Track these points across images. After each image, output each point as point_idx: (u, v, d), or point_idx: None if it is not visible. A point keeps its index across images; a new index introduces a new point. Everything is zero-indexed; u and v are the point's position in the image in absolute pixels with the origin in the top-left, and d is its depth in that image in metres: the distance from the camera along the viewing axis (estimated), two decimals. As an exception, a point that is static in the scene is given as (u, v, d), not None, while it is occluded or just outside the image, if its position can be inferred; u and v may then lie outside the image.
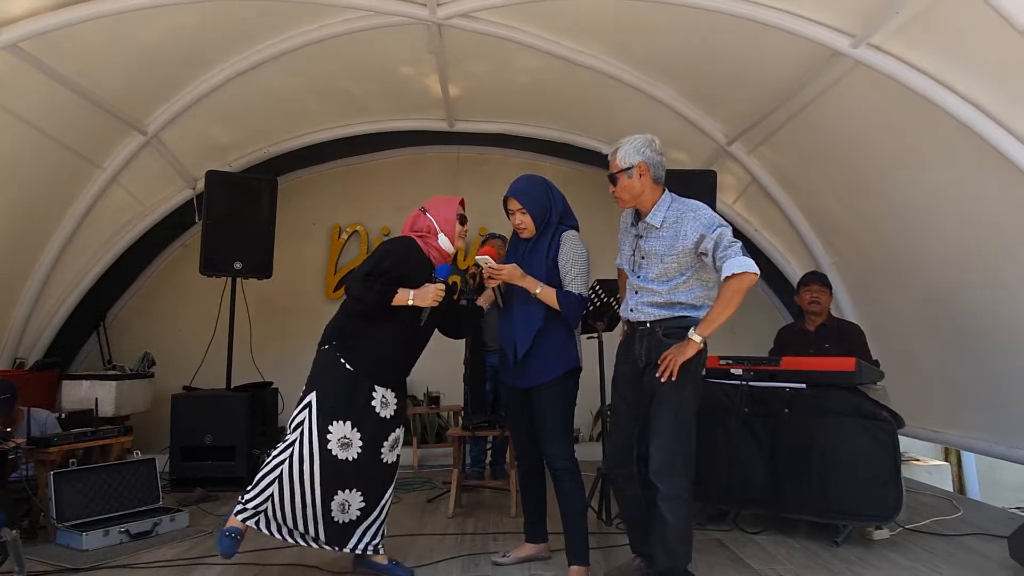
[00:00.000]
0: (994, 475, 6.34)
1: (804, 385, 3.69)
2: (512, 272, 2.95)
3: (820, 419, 3.62)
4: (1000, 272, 3.89)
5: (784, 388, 3.75)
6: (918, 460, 6.01)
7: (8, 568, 2.98)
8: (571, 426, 3.20)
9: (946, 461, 6.30)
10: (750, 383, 3.80)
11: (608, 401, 4.30)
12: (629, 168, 2.79)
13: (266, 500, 2.93)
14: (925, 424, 4.96)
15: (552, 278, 3.03)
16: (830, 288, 4.53)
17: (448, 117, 5.90)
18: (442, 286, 3.00)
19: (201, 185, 5.73)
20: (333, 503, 2.96)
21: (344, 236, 6.63)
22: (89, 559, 3.39)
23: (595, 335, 4.04)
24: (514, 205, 3.05)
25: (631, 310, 2.88)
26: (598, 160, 6.37)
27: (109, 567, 3.31)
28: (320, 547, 3.01)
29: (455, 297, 3.59)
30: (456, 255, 6.37)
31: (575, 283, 3.03)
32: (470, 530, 3.93)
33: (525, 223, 3.05)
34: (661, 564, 2.70)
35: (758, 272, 2.62)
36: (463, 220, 3.21)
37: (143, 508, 3.96)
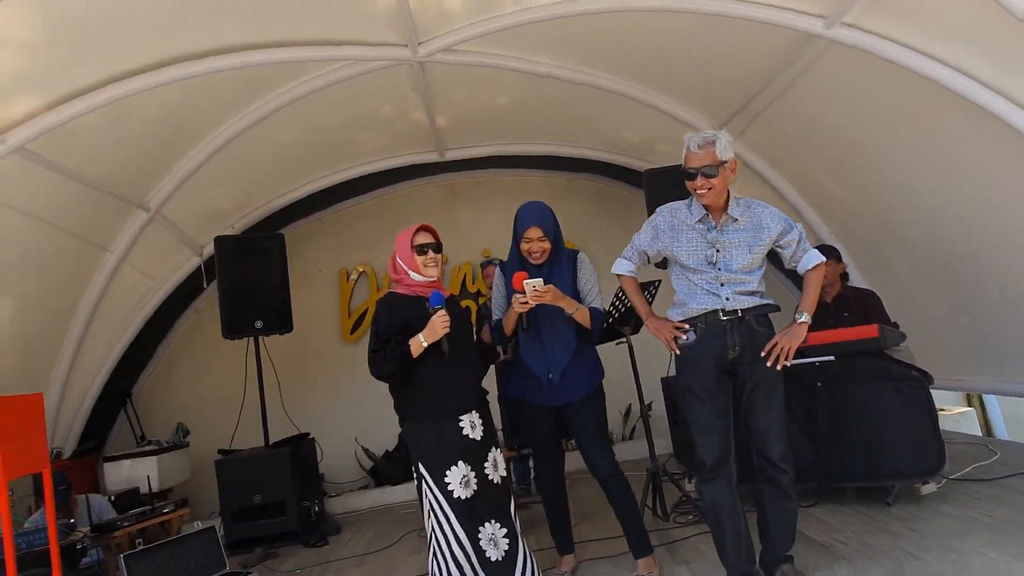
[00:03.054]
0: (1017, 413, 6.47)
1: (832, 357, 3.81)
2: (556, 293, 3.01)
3: (853, 387, 3.75)
4: (996, 216, 4.03)
5: (813, 363, 3.86)
6: (944, 410, 6.14)
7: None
8: (607, 432, 3.31)
9: (970, 407, 6.44)
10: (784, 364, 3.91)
11: (647, 401, 4.44)
12: (726, 162, 2.80)
13: None
14: (947, 375, 5.07)
15: (574, 298, 3.14)
16: (836, 258, 4.66)
17: (438, 148, 6.02)
18: (443, 313, 2.98)
19: (207, 251, 5.84)
20: (481, 542, 2.95)
21: (352, 278, 6.72)
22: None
23: (623, 340, 4.16)
24: (537, 233, 3.12)
25: (726, 300, 2.84)
26: (588, 168, 6.54)
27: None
28: None
29: (476, 323, 3.60)
30: (465, 278, 6.51)
31: (596, 300, 3.17)
32: (535, 546, 4.00)
33: (545, 248, 3.14)
34: (784, 549, 2.86)
35: (824, 259, 2.95)
36: (423, 249, 3.08)
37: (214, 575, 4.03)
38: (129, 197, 5.01)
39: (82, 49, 3.66)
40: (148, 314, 5.81)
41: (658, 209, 3.10)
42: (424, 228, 3.15)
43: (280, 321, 5.41)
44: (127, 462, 5.31)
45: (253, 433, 5.68)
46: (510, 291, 3.15)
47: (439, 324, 2.97)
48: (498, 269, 3.36)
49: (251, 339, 5.50)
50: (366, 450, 6.35)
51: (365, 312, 6.68)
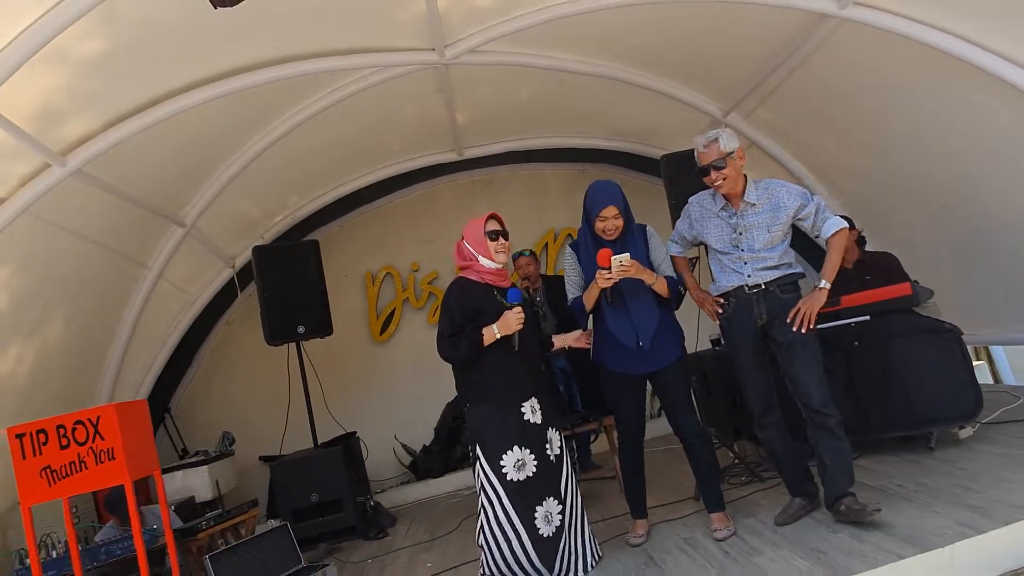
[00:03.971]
0: (1022, 363, 6.83)
1: (867, 317, 4.05)
2: (638, 267, 3.22)
3: (890, 343, 3.98)
4: (1006, 171, 4.27)
5: (849, 324, 4.10)
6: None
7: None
8: (692, 396, 3.53)
9: (979, 360, 6.76)
10: (818, 326, 4.14)
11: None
12: (732, 152, 3.18)
13: (489, 554, 3.19)
14: (965, 332, 5.35)
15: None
16: (850, 226, 4.90)
17: (457, 147, 6.19)
18: (519, 310, 3.20)
19: (239, 262, 5.97)
20: (536, 520, 3.16)
21: (378, 281, 6.86)
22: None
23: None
24: (613, 212, 3.31)
25: (748, 276, 3.24)
26: (601, 159, 6.73)
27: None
28: None
29: (534, 310, 3.80)
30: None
31: (669, 270, 3.42)
32: (597, 518, 4.18)
33: (619, 225, 3.34)
34: (844, 486, 3.10)
35: (847, 224, 3.22)
36: (495, 235, 3.31)
37: (292, 571, 4.17)
38: (166, 213, 5.12)
39: (134, 68, 3.76)
40: (186, 326, 5.92)
41: (690, 199, 3.51)
42: (493, 216, 3.36)
43: (320, 325, 5.55)
44: (179, 473, 5.40)
45: (292, 436, 5.84)
46: (587, 269, 3.36)
47: (514, 320, 3.19)
48: (569, 249, 3.54)
49: (289, 345, 5.65)
50: (404, 446, 6.49)
51: (392, 312, 6.83)
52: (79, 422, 2.70)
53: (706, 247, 3.51)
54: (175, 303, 5.86)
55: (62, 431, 2.69)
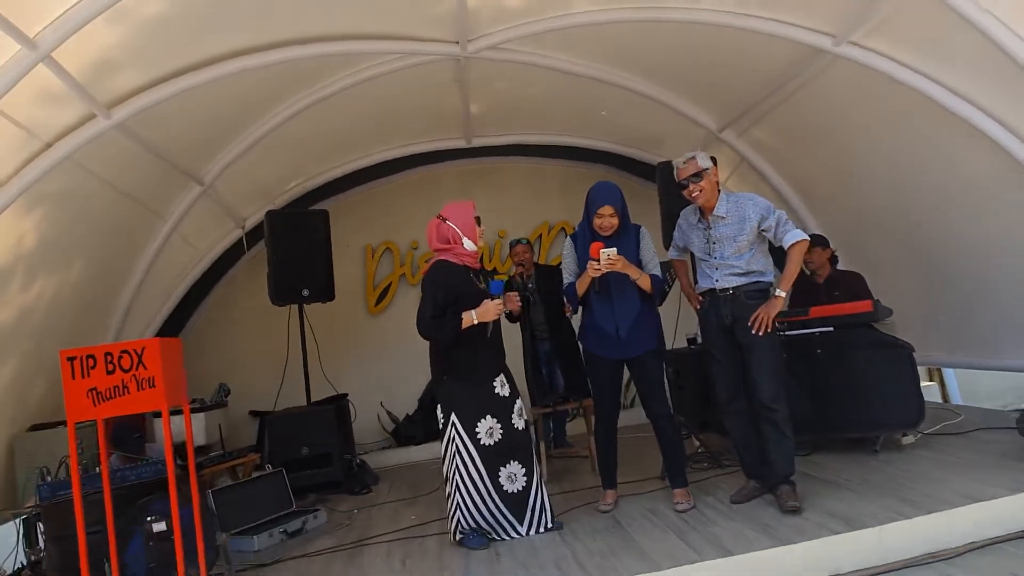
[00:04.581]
0: (972, 387, 7.35)
1: (832, 328, 4.47)
2: (624, 262, 3.60)
3: (849, 354, 4.40)
4: (970, 212, 4.71)
5: (815, 333, 4.52)
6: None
7: (218, 571, 3.54)
8: (665, 385, 3.91)
9: (932, 381, 7.27)
10: (786, 332, 4.56)
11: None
12: (707, 169, 3.64)
13: (457, 511, 3.61)
14: (918, 351, 5.80)
15: (637, 266, 3.75)
16: (823, 245, 5.32)
17: (466, 135, 6.52)
18: (500, 301, 3.64)
19: (249, 223, 6.25)
20: (501, 478, 3.62)
21: (377, 254, 7.17)
22: (267, 556, 3.93)
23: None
24: (609, 211, 3.70)
25: (716, 281, 3.68)
26: (601, 160, 7.10)
27: (293, 558, 3.87)
28: (513, 531, 3.65)
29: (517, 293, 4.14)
30: (481, 258, 7.03)
31: (656, 268, 3.78)
32: (558, 491, 4.52)
33: (614, 223, 3.73)
34: (785, 469, 3.54)
35: (808, 238, 3.60)
36: (480, 221, 3.78)
37: (285, 513, 4.50)
38: (189, 170, 5.39)
39: (187, 33, 4.02)
40: (193, 279, 6.21)
41: (681, 213, 3.99)
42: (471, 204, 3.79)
43: (324, 290, 5.86)
44: (176, 418, 5.68)
45: (286, 393, 6.15)
46: (582, 259, 3.72)
47: (494, 310, 3.62)
48: (568, 240, 3.91)
49: (290, 307, 5.96)
50: (389, 413, 6.83)
51: (389, 286, 7.15)
52: (125, 351, 2.99)
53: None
54: (185, 256, 6.13)
55: (109, 358, 2.98)
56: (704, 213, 3.74)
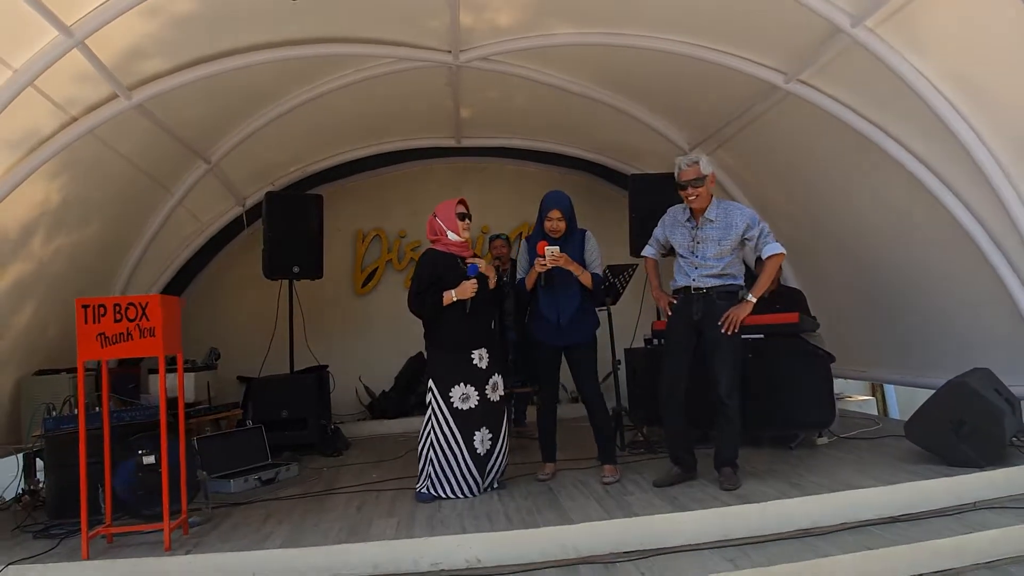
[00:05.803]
0: (912, 402, 7.85)
1: (762, 336, 4.97)
2: (567, 259, 4.10)
3: (776, 359, 4.91)
4: (906, 242, 5.19)
5: (748, 339, 5.00)
6: (850, 397, 7.46)
7: (197, 505, 4.04)
8: (597, 370, 4.41)
9: (872, 396, 7.78)
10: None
11: (618, 359, 5.53)
12: (708, 175, 3.98)
13: (428, 465, 4.10)
14: (856, 366, 6.33)
15: (581, 265, 4.24)
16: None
17: (456, 135, 7.02)
18: (475, 282, 4.12)
19: (250, 202, 6.76)
20: (475, 441, 4.12)
21: (367, 240, 7.68)
22: (241, 498, 4.44)
23: (604, 308, 5.25)
24: (557, 215, 4.21)
25: (693, 280, 4.01)
26: (580, 167, 7.60)
27: (263, 500, 4.38)
28: (478, 490, 4.14)
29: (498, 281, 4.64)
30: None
31: (598, 269, 4.29)
32: (520, 461, 5.04)
33: (561, 227, 4.23)
34: (729, 453, 3.98)
35: (785, 252, 3.99)
36: (462, 216, 4.22)
37: (261, 464, 5.02)
38: (197, 149, 5.89)
39: (211, 28, 4.51)
40: (195, 249, 6.73)
41: (668, 210, 4.32)
42: (462, 201, 4.26)
43: (313, 268, 6.37)
44: (170, 376, 6.16)
45: (271, 360, 6.64)
46: (532, 257, 4.22)
47: (470, 289, 4.12)
48: (524, 240, 4.42)
49: (281, 282, 6.46)
50: (367, 388, 7.34)
51: (375, 270, 7.66)
52: (131, 304, 3.50)
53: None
54: (188, 227, 6.64)
55: (118, 308, 3.48)
56: (694, 213, 4.06)
